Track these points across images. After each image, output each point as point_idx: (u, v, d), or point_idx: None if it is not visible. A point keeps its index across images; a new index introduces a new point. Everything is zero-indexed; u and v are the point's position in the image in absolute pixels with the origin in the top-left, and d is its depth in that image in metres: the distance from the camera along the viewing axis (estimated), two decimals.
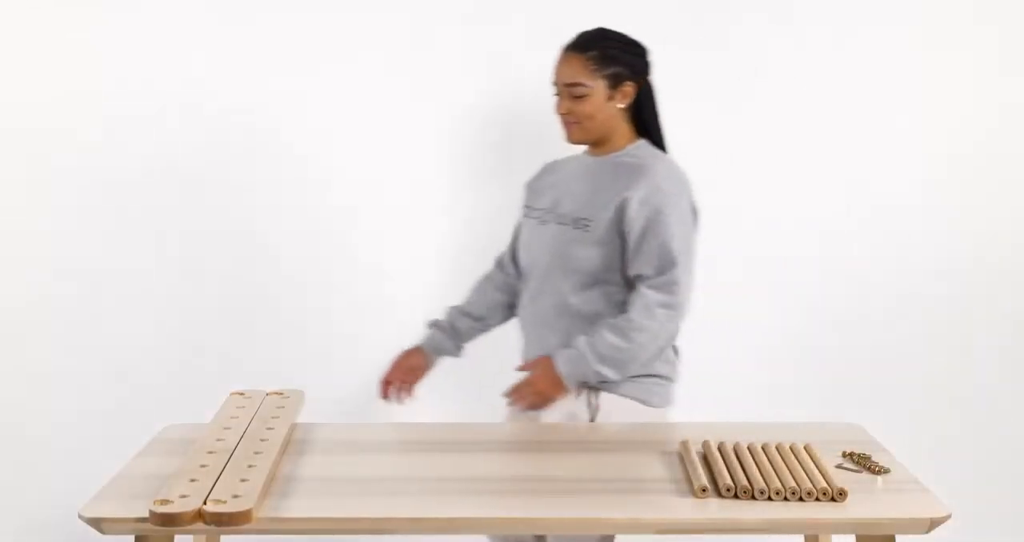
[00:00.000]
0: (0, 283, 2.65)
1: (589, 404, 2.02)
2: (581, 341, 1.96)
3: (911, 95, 2.63)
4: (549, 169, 2.19)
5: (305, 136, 2.63)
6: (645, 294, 1.96)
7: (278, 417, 1.86)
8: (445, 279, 2.63)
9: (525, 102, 2.55)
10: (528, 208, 2.16)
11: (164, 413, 2.14)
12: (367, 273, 2.68)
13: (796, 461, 1.65)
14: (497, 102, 2.62)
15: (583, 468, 1.70)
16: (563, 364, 1.96)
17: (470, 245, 2.62)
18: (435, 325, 2.22)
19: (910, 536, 1.51)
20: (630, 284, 2.01)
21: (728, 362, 2.68)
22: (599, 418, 2.02)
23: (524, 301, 2.13)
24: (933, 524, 1.49)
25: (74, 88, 2.58)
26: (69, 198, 2.62)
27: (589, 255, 1.99)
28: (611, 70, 1.98)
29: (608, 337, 1.95)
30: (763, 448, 1.71)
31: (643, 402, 2.03)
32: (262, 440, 1.72)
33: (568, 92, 1.99)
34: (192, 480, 1.52)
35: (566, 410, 2.02)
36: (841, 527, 1.51)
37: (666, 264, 1.96)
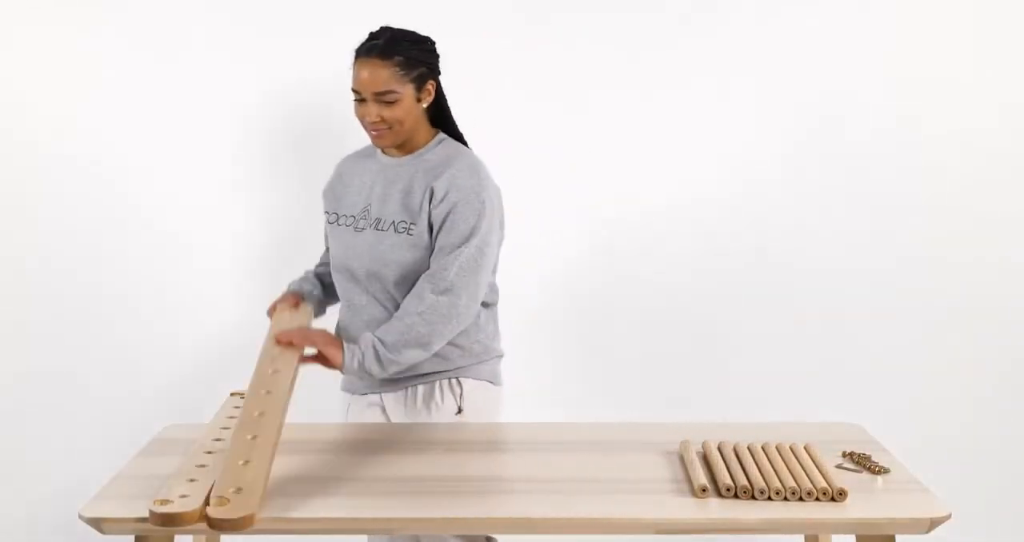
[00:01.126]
0: (0, 283, 2.65)
1: (452, 390, 2.03)
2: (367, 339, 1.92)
3: (895, 92, 2.64)
4: (345, 172, 2.13)
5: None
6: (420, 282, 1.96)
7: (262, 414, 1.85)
8: None
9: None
10: (334, 215, 2.10)
11: (164, 413, 2.14)
12: None
13: (796, 461, 1.65)
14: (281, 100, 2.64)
15: (583, 468, 1.70)
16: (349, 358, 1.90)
17: None
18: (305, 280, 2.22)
19: (910, 536, 1.51)
20: None
21: (728, 362, 2.69)
22: (464, 402, 2.03)
23: (346, 306, 2.08)
24: (933, 524, 1.49)
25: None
26: (69, 197, 2.62)
27: (415, 257, 1.96)
28: (416, 72, 1.94)
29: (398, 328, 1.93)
30: (763, 448, 1.71)
31: (492, 382, 2.08)
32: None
33: (377, 99, 1.92)
34: (192, 480, 1.52)
35: (430, 398, 2.02)
36: (841, 527, 1.51)
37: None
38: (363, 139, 2.05)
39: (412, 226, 1.96)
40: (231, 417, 1.87)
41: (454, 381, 2.03)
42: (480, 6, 2.57)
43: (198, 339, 2.69)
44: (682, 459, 1.72)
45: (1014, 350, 2.74)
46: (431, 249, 1.95)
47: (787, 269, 2.69)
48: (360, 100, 1.95)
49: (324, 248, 2.26)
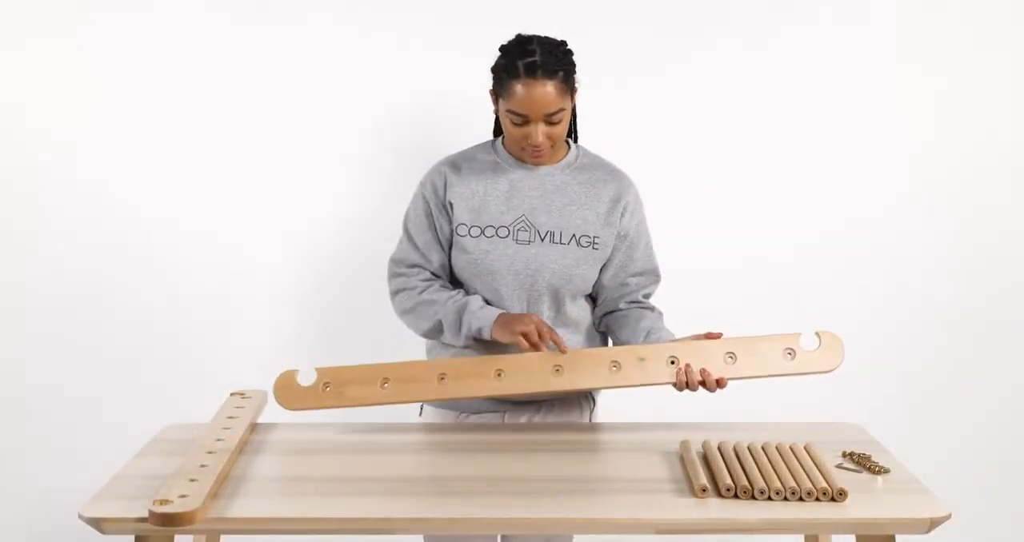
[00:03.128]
0: (0, 283, 2.65)
1: (588, 404, 2.06)
2: (662, 327, 1.97)
3: (896, 94, 2.64)
4: (465, 178, 1.96)
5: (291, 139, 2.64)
6: (647, 300, 2.04)
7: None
8: None
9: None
10: (472, 227, 1.94)
11: (164, 413, 2.14)
12: (368, 273, 2.67)
13: (796, 461, 1.65)
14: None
15: (583, 468, 1.70)
16: None
17: None
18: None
19: (910, 536, 1.51)
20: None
21: None
22: (595, 417, 2.07)
23: None
24: (933, 524, 1.49)
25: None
26: (69, 197, 2.62)
27: (593, 273, 1.97)
28: (572, 84, 1.87)
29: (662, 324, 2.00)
30: (763, 448, 1.71)
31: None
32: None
33: (546, 120, 1.83)
34: (192, 480, 1.53)
35: (567, 414, 2.03)
36: (841, 527, 1.51)
37: (656, 270, 2.03)
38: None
39: (596, 239, 1.94)
40: (231, 417, 1.87)
41: (587, 397, 2.07)
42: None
43: (198, 339, 2.69)
44: (682, 459, 1.72)
45: (1014, 350, 2.74)
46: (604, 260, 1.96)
47: (787, 269, 2.69)
48: (523, 122, 1.84)
49: (414, 261, 2.00)
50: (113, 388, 2.69)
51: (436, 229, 1.97)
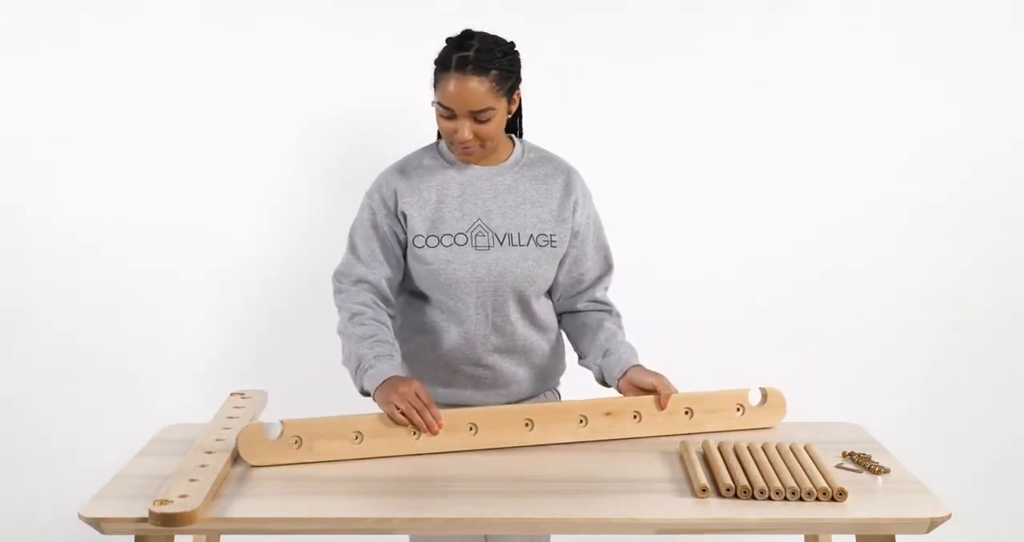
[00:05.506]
0: (0, 282, 2.65)
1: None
2: (621, 340, 1.97)
3: (896, 94, 2.64)
4: (416, 187, 1.91)
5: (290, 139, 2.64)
6: (604, 303, 2.03)
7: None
8: None
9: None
10: (433, 237, 1.89)
11: (164, 413, 2.14)
12: None
13: (796, 461, 1.65)
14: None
15: (583, 468, 1.70)
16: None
17: None
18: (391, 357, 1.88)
19: (910, 536, 1.51)
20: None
21: (728, 362, 2.69)
22: None
23: (451, 323, 1.93)
24: (933, 524, 1.49)
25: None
26: (70, 197, 2.62)
27: (552, 271, 1.96)
28: (509, 84, 1.82)
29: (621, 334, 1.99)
30: (763, 448, 1.71)
31: None
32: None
33: (472, 116, 1.79)
34: (192, 480, 1.53)
35: None
36: (841, 527, 1.51)
37: (609, 260, 2.03)
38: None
39: (553, 237, 1.92)
40: (231, 417, 1.87)
41: (552, 393, 2.09)
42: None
43: (198, 339, 2.69)
44: (682, 459, 1.72)
45: (1014, 350, 2.74)
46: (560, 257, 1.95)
47: (787, 269, 2.69)
48: (450, 116, 1.81)
49: (361, 271, 1.94)
50: (113, 388, 2.69)
51: (381, 242, 1.92)
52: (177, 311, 2.68)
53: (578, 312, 2.02)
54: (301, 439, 1.70)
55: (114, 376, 2.68)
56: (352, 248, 1.95)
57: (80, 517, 1.48)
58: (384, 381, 1.77)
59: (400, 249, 1.93)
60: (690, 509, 1.52)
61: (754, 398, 1.92)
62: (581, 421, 1.83)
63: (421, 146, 1.99)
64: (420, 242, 1.90)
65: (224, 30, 2.57)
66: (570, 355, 2.08)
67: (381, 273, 1.93)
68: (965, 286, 2.71)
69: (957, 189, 2.68)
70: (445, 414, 1.77)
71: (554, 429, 1.82)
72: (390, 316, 1.95)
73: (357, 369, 1.83)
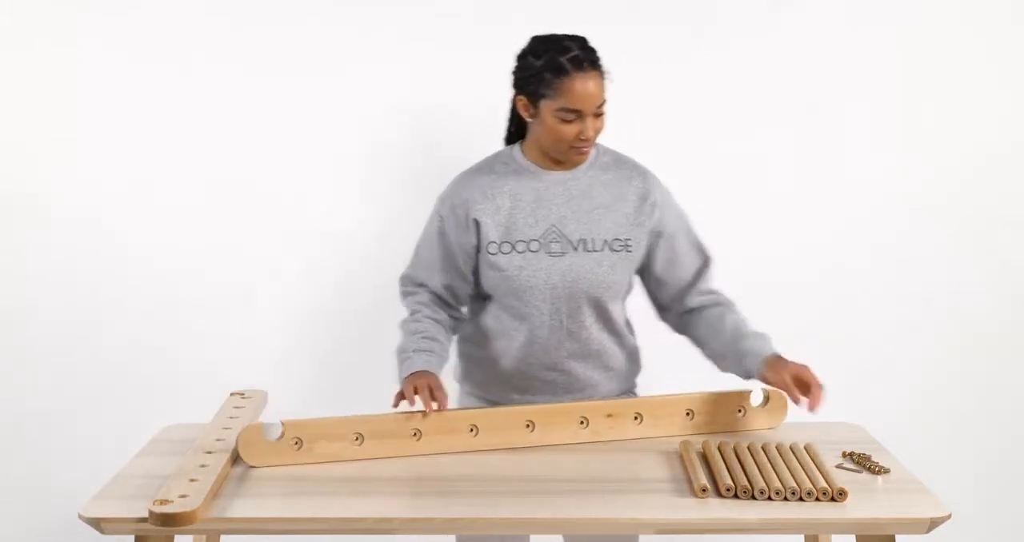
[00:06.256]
0: (0, 282, 2.65)
1: None
2: (749, 332, 1.95)
3: (896, 94, 2.64)
4: (489, 194, 1.92)
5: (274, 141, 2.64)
6: (712, 292, 2.03)
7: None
8: None
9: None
10: (507, 244, 1.90)
11: (164, 413, 2.14)
12: (365, 277, 2.68)
13: (796, 461, 1.65)
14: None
15: (583, 468, 1.70)
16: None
17: None
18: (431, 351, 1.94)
19: (910, 536, 1.51)
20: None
21: None
22: None
23: (524, 330, 1.93)
24: (933, 524, 1.49)
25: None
26: (71, 197, 2.62)
27: (629, 276, 1.96)
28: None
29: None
30: (763, 448, 1.72)
31: None
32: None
33: (596, 113, 1.83)
34: (192, 480, 1.53)
35: None
36: (841, 527, 1.51)
37: (705, 253, 2.03)
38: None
39: (629, 242, 1.92)
40: (231, 417, 1.87)
41: (629, 395, 2.08)
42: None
43: (198, 339, 2.69)
44: (682, 459, 1.72)
45: (1014, 350, 2.74)
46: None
47: (786, 270, 2.69)
48: (574, 118, 1.81)
49: (420, 281, 1.99)
50: (113, 388, 2.68)
51: (446, 250, 1.95)
52: (177, 311, 2.68)
53: (692, 310, 2.01)
54: (301, 440, 1.70)
55: (114, 376, 2.68)
56: (417, 253, 2.01)
57: (80, 517, 1.48)
58: (412, 373, 1.83)
59: (465, 257, 1.95)
60: (690, 509, 1.52)
61: (756, 399, 1.92)
62: (582, 422, 1.83)
63: (493, 152, 2.00)
64: (493, 249, 1.91)
65: (248, 29, 2.58)
66: (646, 357, 2.09)
67: (441, 279, 1.97)
68: (965, 286, 2.71)
69: (957, 189, 2.67)
70: (446, 415, 1.78)
71: (555, 430, 1.82)
72: (455, 318, 2.01)
73: (399, 359, 1.90)
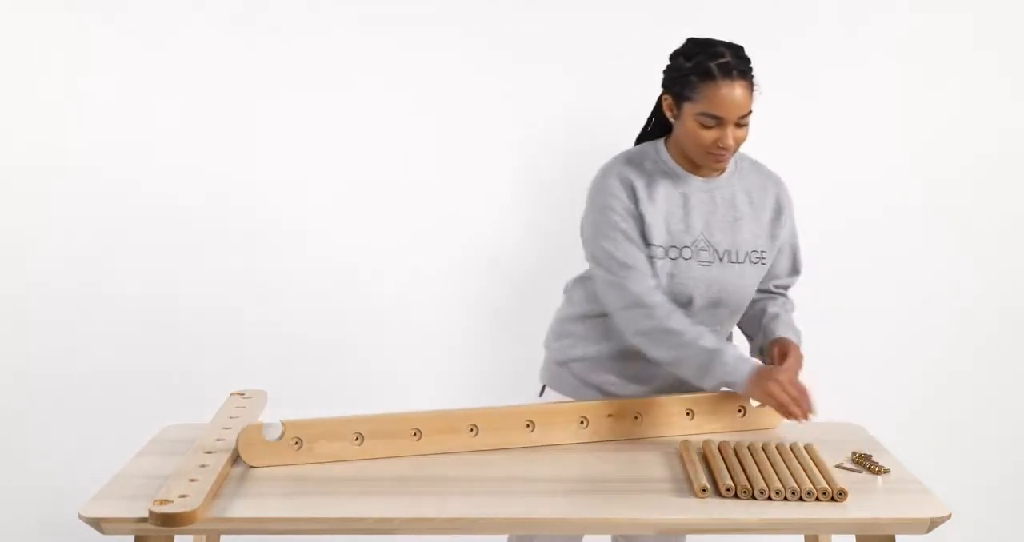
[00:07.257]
0: (0, 282, 2.65)
1: None
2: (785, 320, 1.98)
3: (896, 94, 2.64)
4: (651, 193, 1.86)
5: (292, 149, 2.64)
6: (789, 297, 2.06)
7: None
8: (449, 287, 2.65)
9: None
10: (659, 247, 1.85)
11: (164, 413, 2.14)
12: (374, 276, 2.68)
13: (796, 461, 1.65)
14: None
15: (583, 468, 1.70)
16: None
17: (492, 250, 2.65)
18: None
19: (910, 536, 1.51)
20: None
21: None
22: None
23: None
24: (933, 524, 1.49)
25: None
26: (72, 196, 2.62)
27: (755, 288, 1.97)
28: (754, 88, 1.82)
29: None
30: (763, 448, 1.72)
31: None
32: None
33: (738, 122, 1.79)
34: (192, 480, 1.53)
35: None
36: (841, 527, 1.51)
37: (797, 266, 2.05)
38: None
39: (764, 254, 1.92)
40: (232, 417, 1.87)
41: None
42: None
43: (198, 339, 2.69)
44: (682, 459, 1.72)
45: (1015, 350, 2.74)
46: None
47: None
48: (715, 125, 1.78)
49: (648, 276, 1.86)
50: (113, 388, 2.68)
51: (637, 246, 1.86)
52: (177, 311, 2.68)
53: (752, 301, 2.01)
54: (302, 440, 1.70)
55: (114, 376, 2.68)
56: (623, 235, 1.85)
57: (80, 517, 1.48)
58: (751, 374, 1.78)
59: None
60: (690, 509, 1.52)
61: (756, 399, 1.92)
62: (582, 422, 1.83)
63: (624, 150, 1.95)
64: (651, 252, 1.85)
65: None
66: None
67: (651, 274, 1.86)
68: (965, 286, 2.71)
69: (957, 189, 2.68)
70: (445, 415, 1.78)
71: (555, 430, 1.82)
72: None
73: (711, 366, 1.79)
